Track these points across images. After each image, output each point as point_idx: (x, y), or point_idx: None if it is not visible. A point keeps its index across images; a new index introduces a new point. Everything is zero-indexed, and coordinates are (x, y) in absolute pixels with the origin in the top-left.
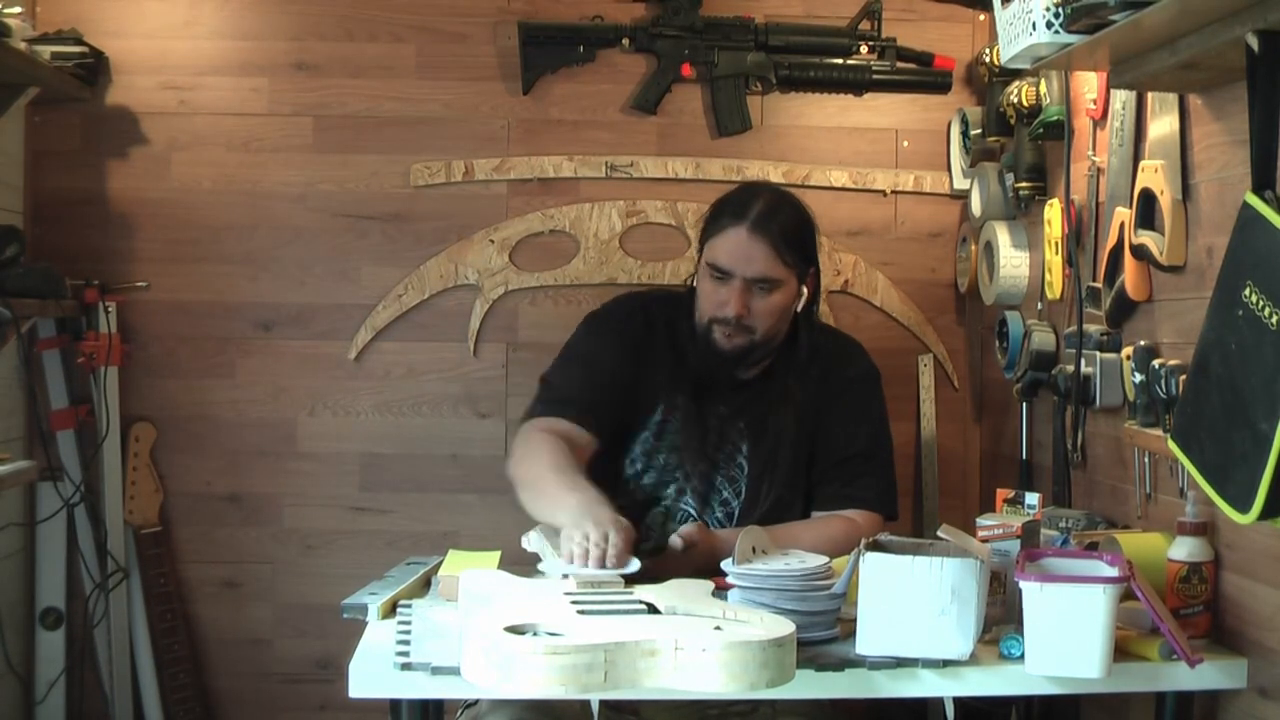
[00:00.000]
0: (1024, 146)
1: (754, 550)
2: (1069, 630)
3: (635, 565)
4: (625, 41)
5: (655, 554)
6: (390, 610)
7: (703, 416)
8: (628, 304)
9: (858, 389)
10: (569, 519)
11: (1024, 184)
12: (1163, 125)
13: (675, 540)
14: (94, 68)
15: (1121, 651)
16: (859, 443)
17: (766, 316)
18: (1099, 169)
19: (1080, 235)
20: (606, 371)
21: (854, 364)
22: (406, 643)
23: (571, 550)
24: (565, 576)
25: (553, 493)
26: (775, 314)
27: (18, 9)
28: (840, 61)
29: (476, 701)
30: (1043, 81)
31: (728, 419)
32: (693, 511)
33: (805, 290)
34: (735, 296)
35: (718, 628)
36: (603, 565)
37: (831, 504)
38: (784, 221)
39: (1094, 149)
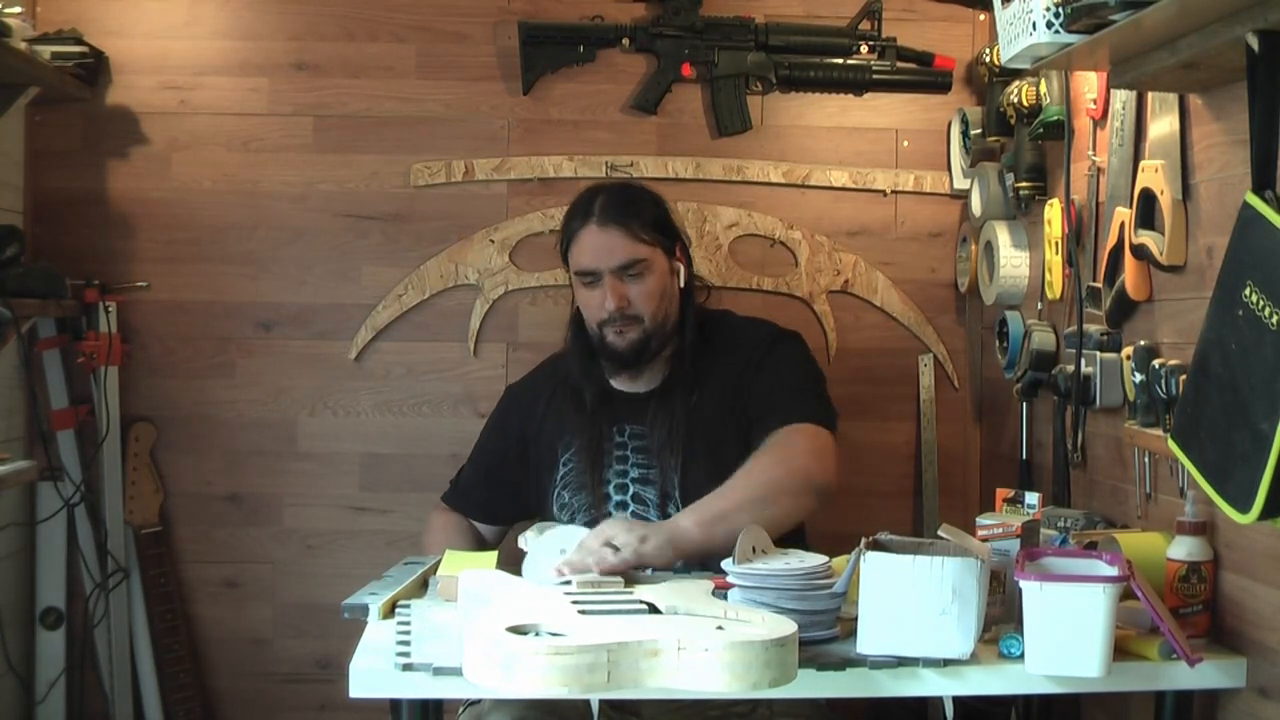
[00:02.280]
0: (1024, 146)
1: (754, 550)
2: (1069, 630)
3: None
4: (625, 41)
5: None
6: (390, 610)
7: (605, 444)
8: (535, 373)
9: (775, 348)
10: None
11: (1024, 184)
12: (1163, 125)
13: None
14: (94, 68)
15: (1121, 651)
16: (783, 381)
17: (647, 299)
18: (1099, 169)
19: (1080, 235)
20: (497, 466)
21: (761, 333)
22: (407, 643)
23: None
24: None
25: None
26: (655, 295)
27: (18, 9)
28: (840, 61)
29: (477, 701)
30: (1043, 81)
31: (646, 435)
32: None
33: (680, 266)
34: (609, 291)
35: (720, 627)
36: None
37: (766, 433)
38: (626, 203)
39: (1094, 149)
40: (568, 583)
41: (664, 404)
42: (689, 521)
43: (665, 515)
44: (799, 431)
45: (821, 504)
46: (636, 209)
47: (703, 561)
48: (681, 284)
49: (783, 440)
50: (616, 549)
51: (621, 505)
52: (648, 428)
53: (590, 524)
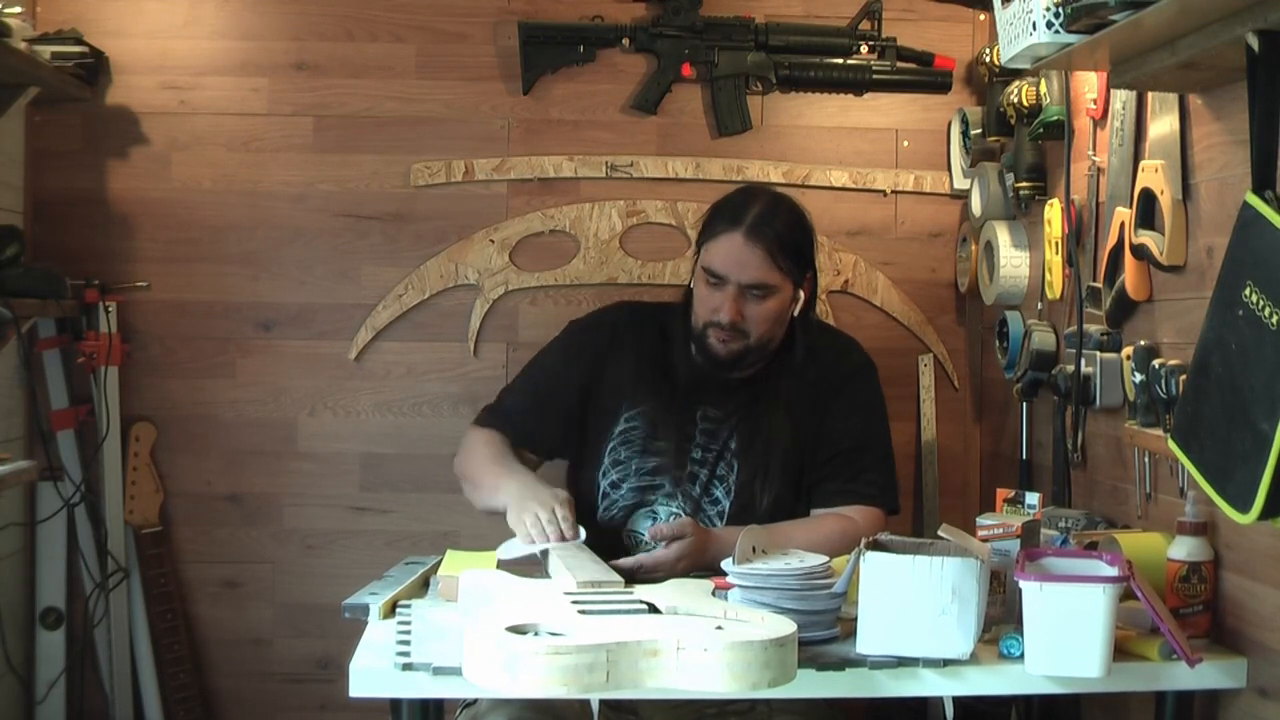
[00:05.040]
0: (1024, 146)
1: (754, 550)
2: (1069, 630)
3: (582, 534)
4: (625, 41)
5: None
6: (390, 610)
7: (682, 420)
8: (602, 315)
9: (853, 383)
10: (511, 502)
11: (1024, 184)
12: (1163, 125)
13: (652, 533)
14: (94, 68)
15: (1121, 651)
16: (856, 436)
17: (761, 322)
18: (1099, 169)
19: (1080, 235)
20: (554, 398)
21: (848, 359)
22: (407, 643)
23: (528, 531)
24: (545, 552)
25: (490, 481)
26: (770, 319)
27: (18, 9)
28: (840, 61)
29: (476, 701)
30: (1043, 81)
31: (719, 420)
32: (683, 515)
33: (802, 295)
34: (729, 302)
35: (719, 627)
36: (562, 539)
37: (830, 500)
38: (779, 227)
39: (1094, 149)
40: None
41: (748, 400)
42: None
43: (710, 496)
44: (860, 520)
45: None
46: (786, 234)
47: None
48: (796, 313)
49: (840, 527)
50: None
51: (673, 478)
52: (723, 414)
53: (647, 488)
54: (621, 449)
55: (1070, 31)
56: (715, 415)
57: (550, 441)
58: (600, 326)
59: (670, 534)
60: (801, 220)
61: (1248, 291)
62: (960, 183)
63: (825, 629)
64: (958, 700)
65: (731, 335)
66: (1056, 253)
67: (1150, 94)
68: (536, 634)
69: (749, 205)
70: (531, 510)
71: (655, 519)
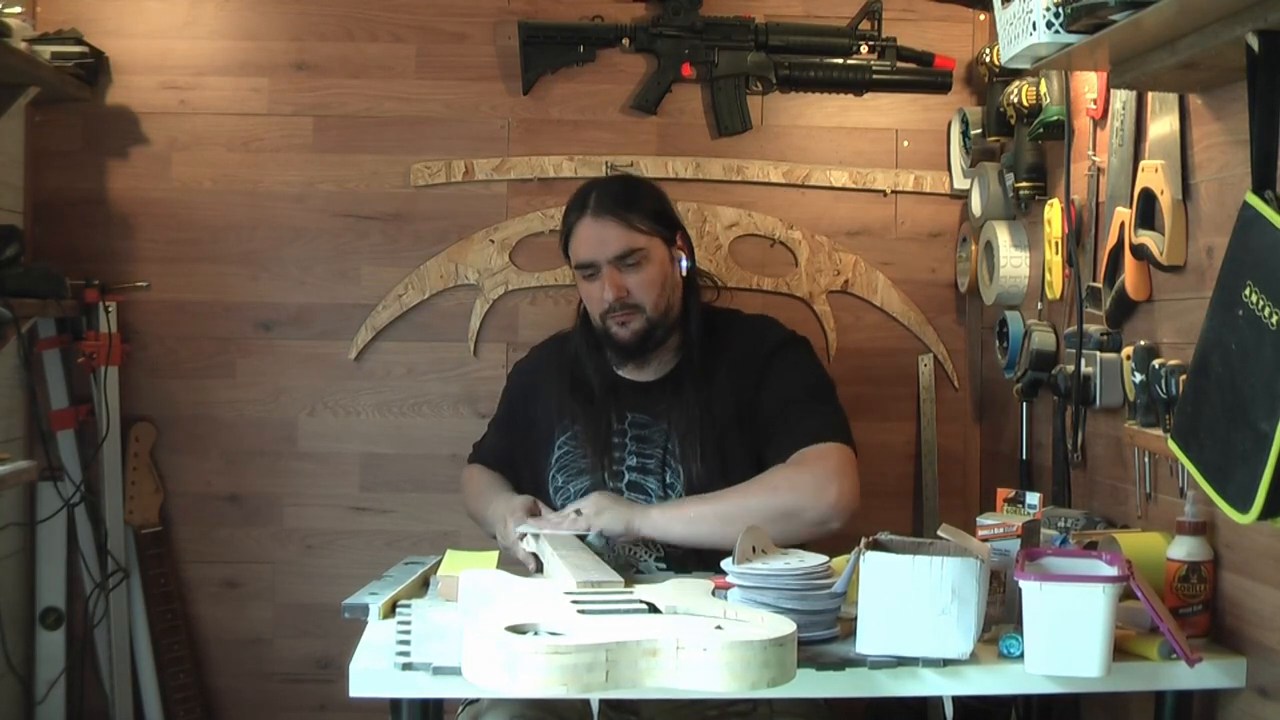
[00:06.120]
0: (1024, 146)
1: (754, 550)
2: (1069, 630)
3: (590, 530)
4: (625, 41)
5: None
6: (390, 610)
7: (609, 430)
8: (535, 350)
9: (779, 354)
10: (496, 527)
11: (1024, 184)
12: (1163, 125)
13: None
14: (94, 68)
15: (1121, 651)
16: (791, 391)
17: (647, 288)
18: (1099, 169)
19: (1080, 235)
20: (504, 440)
21: (767, 335)
22: (407, 643)
23: (521, 547)
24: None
25: (481, 507)
26: (655, 284)
27: (18, 9)
28: (840, 61)
29: (476, 700)
30: (1043, 81)
31: (649, 425)
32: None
33: (682, 255)
34: (607, 282)
35: (719, 627)
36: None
37: (782, 455)
38: (621, 195)
39: (1094, 149)
40: (533, 535)
41: (674, 395)
42: (657, 510)
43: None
44: (814, 455)
45: (843, 524)
46: (632, 199)
47: (702, 560)
48: (683, 274)
49: (809, 459)
50: (579, 513)
51: (617, 494)
52: (653, 417)
53: None
54: (559, 475)
55: (1070, 31)
56: (643, 420)
57: (522, 468)
58: (530, 362)
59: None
60: (643, 185)
61: (1248, 291)
62: (960, 183)
63: (825, 629)
64: (958, 700)
65: (627, 313)
66: (1056, 253)
67: (1150, 94)
68: (536, 634)
69: (588, 192)
70: (500, 530)
71: (603, 535)
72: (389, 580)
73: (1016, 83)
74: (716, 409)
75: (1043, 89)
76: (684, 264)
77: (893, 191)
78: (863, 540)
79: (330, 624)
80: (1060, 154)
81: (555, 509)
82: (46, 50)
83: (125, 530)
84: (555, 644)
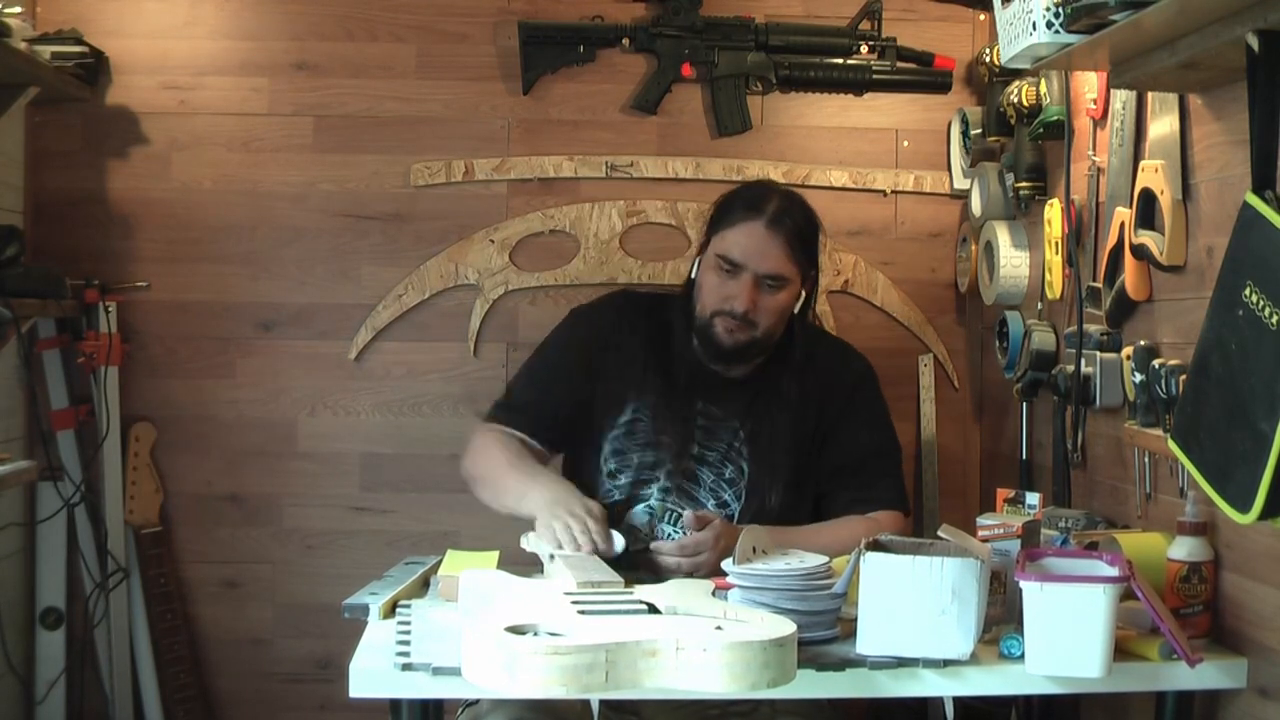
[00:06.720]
0: (1024, 146)
1: (754, 550)
2: (1069, 630)
3: (620, 542)
4: (625, 41)
5: (645, 552)
6: (390, 610)
7: (686, 415)
8: (607, 303)
9: (860, 393)
10: (539, 509)
11: (1024, 184)
12: (1163, 125)
13: (687, 519)
14: (94, 68)
15: (1121, 651)
16: (868, 446)
17: (770, 314)
18: (1099, 169)
19: (1080, 235)
20: (563, 384)
21: (851, 366)
22: (407, 643)
23: (556, 538)
24: (553, 557)
25: (513, 486)
26: (778, 312)
27: (18, 9)
28: (840, 61)
29: (476, 701)
30: (1043, 81)
31: (721, 420)
32: (681, 512)
33: (804, 293)
34: (745, 290)
35: (718, 628)
36: (595, 550)
37: (853, 508)
38: (797, 220)
39: (1094, 149)
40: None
41: (753, 397)
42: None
43: (717, 498)
44: (883, 522)
45: None
46: (804, 229)
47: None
48: (797, 309)
49: (868, 528)
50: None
51: (670, 474)
52: (725, 412)
53: (644, 482)
54: (624, 439)
55: (1070, 31)
56: (715, 414)
57: (562, 430)
58: (604, 313)
59: (704, 522)
60: (815, 217)
61: (1248, 292)
62: (960, 183)
63: (825, 629)
64: (958, 700)
65: (740, 326)
66: (1056, 253)
67: (1150, 94)
68: (536, 634)
69: (768, 197)
70: (563, 520)
71: (652, 514)
72: (389, 580)
73: (1016, 83)
74: (786, 424)
75: (1043, 89)
76: (803, 300)
77: (893, 191)
78: (863, 540)
79: (330, 624)
80: (1060, 154)
81: (595, 465)
82: (46, 50)
83: (125, 530)
84: (555, 644)
